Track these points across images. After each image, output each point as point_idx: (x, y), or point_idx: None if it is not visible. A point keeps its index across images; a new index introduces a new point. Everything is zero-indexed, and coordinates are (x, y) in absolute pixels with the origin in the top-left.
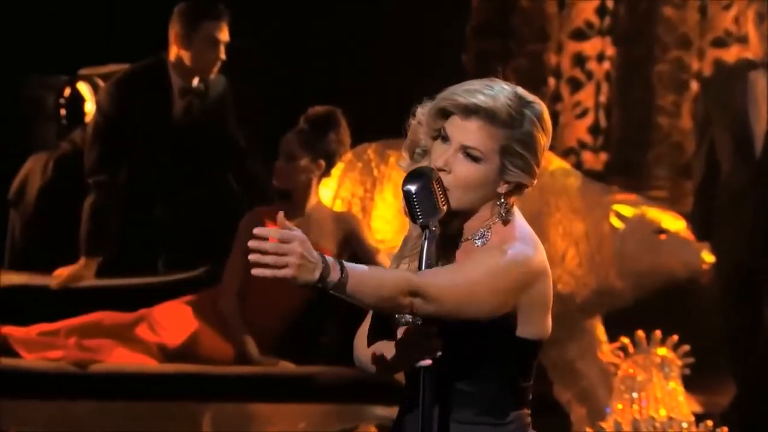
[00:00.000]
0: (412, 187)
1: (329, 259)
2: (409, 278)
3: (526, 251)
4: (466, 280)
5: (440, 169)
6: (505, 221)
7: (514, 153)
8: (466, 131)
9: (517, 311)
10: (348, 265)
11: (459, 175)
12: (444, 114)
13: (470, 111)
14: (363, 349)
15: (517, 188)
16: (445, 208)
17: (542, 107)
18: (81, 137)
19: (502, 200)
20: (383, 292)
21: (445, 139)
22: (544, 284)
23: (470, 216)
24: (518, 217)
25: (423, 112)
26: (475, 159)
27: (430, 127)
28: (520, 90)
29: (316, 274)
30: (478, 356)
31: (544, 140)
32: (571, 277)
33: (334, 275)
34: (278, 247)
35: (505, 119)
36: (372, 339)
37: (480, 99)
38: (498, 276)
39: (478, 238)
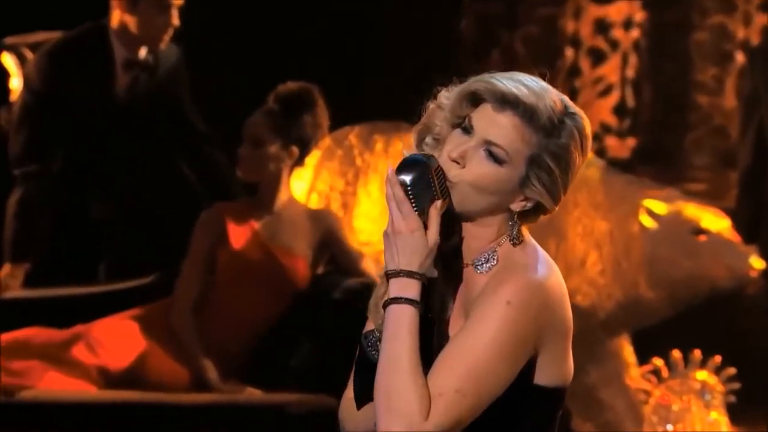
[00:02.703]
0: (407, 178)
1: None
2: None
3: (539, 273)
4: (475, 376)
5: (453, 161)
6: (514, 245)
7: (544, 166)
8: (497, 125)
9: (538, 354)
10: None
11: (473, 172)
12: (473, 101)
13: (507, 102)
14: (353, 416)
15: (533, 212)
16: (445, 202)
17: (586, 122)
18: (5, 119)
19: (515, 220)
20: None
21: (467, 130)
22: (565, 311)
23: (470, 233)
24: (530, 241)
25: (447, 95)
26: (497, 160)
27: (453, 112)
28: (566, 98)
29: (397, 265)
30: (491, 414)
31: (579, 160)
32: (593, 286)
33: (401, 290)
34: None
35: (544, 123)
36: (362, 400)
37: (522, 91)
38: (510, 333)
39: (482, 264)
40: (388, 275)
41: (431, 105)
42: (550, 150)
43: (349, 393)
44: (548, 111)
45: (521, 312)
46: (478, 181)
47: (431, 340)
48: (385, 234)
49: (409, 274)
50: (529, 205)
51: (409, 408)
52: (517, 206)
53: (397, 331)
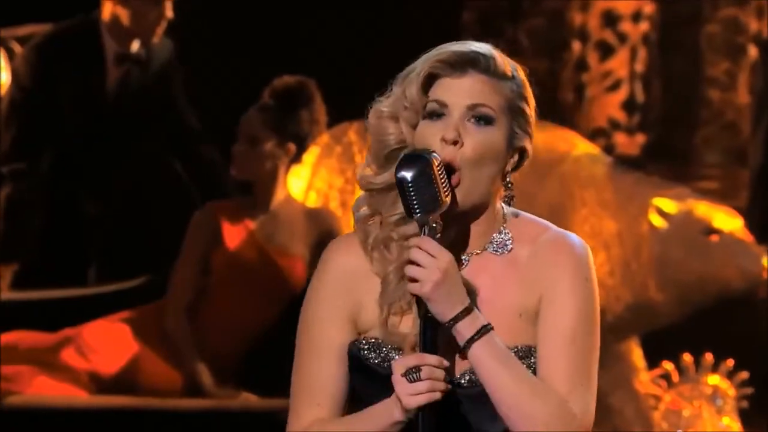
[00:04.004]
0: (408, 174)
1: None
2: (564, 400)
3: (575, 234)
4: (590, 366)
5: (452, 142)
6: (516, 213)
7: (518, 110)
8: (467, 89)
9: None
10: (494, 334)
11: (471, 144)
12: (427, 86)
13: (467, 62)
14: None
15: (517, 165)
16: (448, 199)
17: None
18: None
19: (508, 180)
20: (529, 395)
21: (437, 113)
22: None
23: (467, 219)
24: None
25: (387, 102)
26: (488, 120)
27: (415, 106)
28: None
29: (456, 309)
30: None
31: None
32: (601, 288)
33: (472, 325)
34: (422, 258)
35: (503, 69)
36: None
37: (475, 47)
38: (597, 305)
39: (499, 247)
40: (450, 325)
41: (372, 121)
42: (515, 92)
43: (312, 416)
44: (501, 57)
45: (595, 280)
46: (479, 150)
47: (435, 338)
48: (428, 286)
49: (470, 308)
50: (517, 156)
51: (555, 417)
52: (510, 165)
53: (490, 365)
